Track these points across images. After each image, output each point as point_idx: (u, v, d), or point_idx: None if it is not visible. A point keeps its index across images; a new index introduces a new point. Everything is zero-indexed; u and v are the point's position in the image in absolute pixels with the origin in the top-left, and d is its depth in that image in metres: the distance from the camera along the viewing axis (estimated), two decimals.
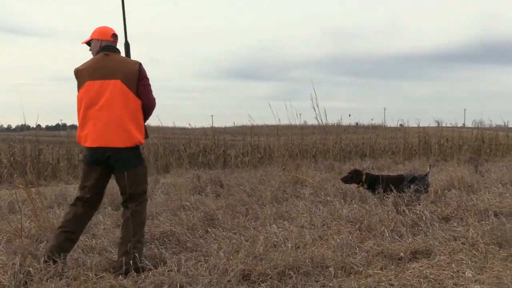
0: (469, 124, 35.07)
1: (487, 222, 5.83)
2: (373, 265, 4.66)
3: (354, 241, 5.33)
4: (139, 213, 4.77)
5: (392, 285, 4.15)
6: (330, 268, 4.46)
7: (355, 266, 4.56)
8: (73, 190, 8.38)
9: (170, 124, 20.34)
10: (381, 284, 4.15)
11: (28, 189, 6.04)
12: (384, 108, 62.16)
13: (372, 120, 31.87)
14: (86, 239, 5.58)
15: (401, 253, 4.83)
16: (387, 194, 6.89)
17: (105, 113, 4.57)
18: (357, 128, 29.45)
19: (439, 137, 20.83)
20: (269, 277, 4.31)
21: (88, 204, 4.77)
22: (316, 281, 4.31)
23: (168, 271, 4.42)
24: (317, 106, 13.13)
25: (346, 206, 6.99)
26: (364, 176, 7.47)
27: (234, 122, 24.24)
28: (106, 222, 6.45)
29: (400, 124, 25.18)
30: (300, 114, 29.72)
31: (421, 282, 4.14)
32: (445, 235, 5.49)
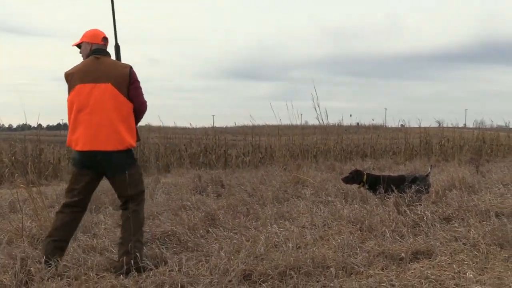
0: (470, 124, 35.07)
1: (488, 223, 5.82)
2: (374, 265, 4.65)
3: (355, 242, 5.33)
4: (138, 212, 4.78)
5: (393, 285, 4.14)
6: (331, 268, 4.45)
7: (356, 267, 4.55)
8: None
9: (171, 124, 20.36)
10: (382, 284, 4.15)
11: (29, 188, 6.05)
12: (385, 109, 62.18)
13: (373, 120, 31.89)
14: (87, 238, 5.58)
15: (402, 254, 4.83)
16: (388, 194, 6.88)
17: (96, 117, 4.55)
18: (358, 128, 29.49)
19: (440, 138, 20.81)
20: (270, 277, 4.31)
21: (76, 209, 4.74)
22: (317, 281, 4.30)
23: (169, 271, 4.42)
24: (318, 106, 13.11)
25: (347, 206, 6.98)
26: (365, 177, 7.47)
27: (235, 122, 24.28)
28: (107, 222, 6.45)
29: (401, 125, 25.19)
30: (301, 114, 29.70)
31: (422, 283, 4.14)
32: (446, 235, 5.48)
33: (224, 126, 31.27)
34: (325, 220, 6.36)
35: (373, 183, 7.36)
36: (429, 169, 7.83)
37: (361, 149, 19.31)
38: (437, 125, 27.82)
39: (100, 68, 4.66)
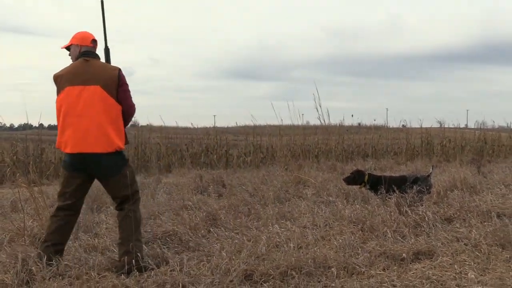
0: (471, 125, 34.96)
1: (489, 223, 5.82)
2: (375, 265, 4.65)
3: (356, 242, 5.32)
4: (134, 211, 4.78)
5: (394, 286, 4.14)
6: (333, 269, 4.45)
7: (357, 267, 4.55)
8: None
9: (172, 124, 20.36)
10: (384, 284, 4.15)
11: (30, 188, 6.06)
12: (387, 109, 62.05)
13: (374, 120, 31.86)
14: (89, 238, 5.59)
15: (404, 254, 4.83)
16: (389, 194, 6.88)
17: (85, 119, 4.54)
18: (359, 128, 29.49)
19: (441, 138, 20.81)
20: (271, 277, 4.30)
21: (70, 212, 4.73)
22: (319, 282, 4.30)
23: (171, 270, 4.43)
24: (320, 106, 13.11)
25: (348, 206, 6.98)
26: (366, 177, 7.46)
27: (236, 122, 24.27)
28: (108, 222, 6.45)
29: (403, 125, 25.18)
30: (302, 114, 29.67)
31: (424, 283, 4.14)
32: (448, 236, 5.48)
33: (226, 126, 31.30)
34: (327, 220, 6.36)
35: (375, 183, 7.35)
36: (431, 169, 7.83)
37: (362, 149, 19.31)
38: (438, 125, 27.74)
39: (89, 71, 4.65)
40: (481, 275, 4.35)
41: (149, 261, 4.61)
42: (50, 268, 4.36)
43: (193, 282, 4.18)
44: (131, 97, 4.80)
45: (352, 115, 50.74)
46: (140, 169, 15.10)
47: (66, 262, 4.56)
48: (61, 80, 4.67)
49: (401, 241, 5.33)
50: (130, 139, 16.98)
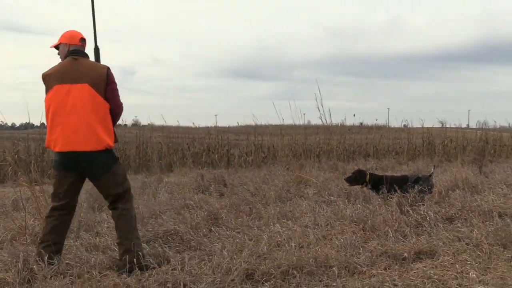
0: (473, 125, 34.97)
1: (491, 223, 5.81)
2: (376, 265, 4.65)
3: (358, 241, 5.32)
4: (129, 210, 4.78)
5: (396, 285, 4.14)
6: (334, 268, 4.45)
7: (358, 266, 4.55)
8: None
9: (174, 124, 20.36)
10: (385, 284, 4.15)
11: (32, 187, 6.07)
12: (388, 109, 62.04)
13: (376, 120, 31.80)
14: (90, 237, 5.59)
15: (405, 254, 4.82)
16: (391, 194, 6.88)
17: (74, 117, 4.53)
18: (360, 128, 29.47)
19: (443, 138, 20.79)
20: (272, 276, 4.30)
21: (64, 212, 4.73)
22: (320, 281, 4.30)
23: (172, 269, 4.43)
24: (322, 106, 13.10)
25: (350, 206, 6.98)
26: (368, 176, 7.46)
27: (237, 122, 24.27)
28: (110, 221, 6.43)
29: (404, 125, 25.13)
30: (304, 114, 29.64)
31: (425, 283, 4.13)
32: (449, 235, 5.48)
33: (227, 126, 31.28)
34: (328, 219, 6.35)
35: (376, 183, 7.35)
36: (432, 169, 7.82)
37: (364, 149, 19.30)
38: (440, 125, 27.77)
39: (78, 69, 4.64)
40: (483, 274, 4.35)
41: (151, 260, 4.62)
42: (52, 267, 4.36)
43: (195, 281, 4.18)
44: (119, 96, 4.79)
45: (354, 115, 50.49)
46: (142, 169, 15.13)
47: (67, 261, 4.57)
48: (50, 79, 4.67)
49: (403, 241, 5.33)
50: (132, 138, 17.18)
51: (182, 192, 8.68)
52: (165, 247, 5.20)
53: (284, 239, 5.36)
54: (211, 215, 6.49)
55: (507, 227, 5.55)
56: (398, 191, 6.77)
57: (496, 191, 8.18)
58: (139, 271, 4.41)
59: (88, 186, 5.70)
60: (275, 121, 18.49)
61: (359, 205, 6.98)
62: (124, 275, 4.31)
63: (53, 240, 4.62)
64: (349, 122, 24.35)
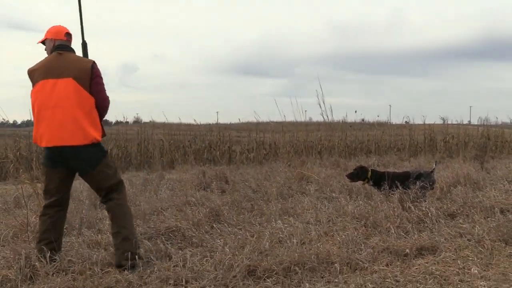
0: (474, 121, 34.95)
1: (493, 219, 5.82)
2: (378, 261, 4.65)
3: (359, 237, 5.33)
4: (124, 200, 4.80)
5: (397, 281, 4.15)
6: (336, 264, 4.45)
7: (360, 262, 4.55)
8: (78, 185, 8.39)
9: (175, 120, 20.35)
10: (387, 280, 4.15)
11: (33, 184, 6.08)
12: (390, 105, 62.05)
13: (378, 116, 31.83)
14: (92, 234, 5.60)
15: (407, 250, 4.83)
16: (392, 190, 6.88)
17: (59, 112, 4.51)
18: (362, 125, 29.43)
19: (444, 134, 20.78)
20: (274, 272, 4.31)
21: (58, 208, 4.72)
22: (322, 277, 4.30)
23: (174, 266, 4.43)
24: (323, 103, 13.09)
25: (351, 202, 6.98)
26: (369, 173, 7.46)
27: (239, 119, 24.25)
28: None
29: (406, 121, 25.14)
30: (305, 110, 29.67)
31: (427, 279, 4.14)
32: (451, 231, 5.48)
33: (229, 123, 31.26)
34: (330, 216, 6.36)
35: (378, 179, 7.35)
36: (434, 165, 7.81)
37: (365, 146, 19.27)
38: (441, 121, 27.77)
39: (63, 64, 4.63)
40: (484, 270, 4.35)
41: (151, 256, 4.62)
42: (53, 263, 4.37)
43: (196, 277, 4.18)
44: (105, 90, 4.76)
45: (356, 111, 50.43)
46: (143, 166, 15.14)
47: (69, 258, 4.57)
48: (35, 74, 4.66)
49: (404, 237, 5.33)
50: (133, 135, 17.16)
51: (184, 189, 8.68)
52: (167, 243, 5.20)
53: (286, 235, 5.36)
54: (213, 212, 6.49)
55: (508, 223, 5.56)
56: (400, 187, 6.76)
57: (497, 187, 8.18)
58: (141, 266, 4.41)
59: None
60: (276, 118, 18.50)
61: (361, 202, 6.98)
62: (126, 271, 4.30)
63: (50, 238, 4.62)
64: (351, 118, 24.32)
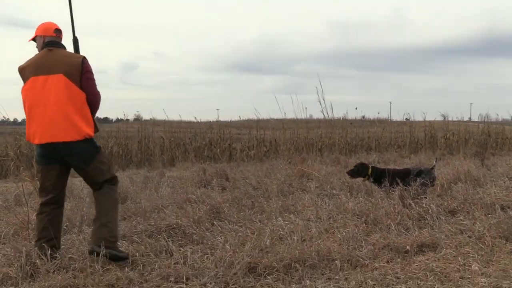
0: (475, 118, 34.93)
1: (493, 216, 5.82)
2: (379, 258, 4.65)
3: (360, 234, 5.32)
4: (114, 190, 4.81)
5: (398, 278, 4.14)
6: (336, 261, 4.45)
7: (361, 259, 4.55)
8: (78, 183, 8.41)
9: (176, 118, 20.33)
10: (387, 277, 4.15)
11: (34, 182, 6.07)
12: (390, 102, 62.02)
13: (378, 113, 31.76)
14: None
15: (407, 246, 4.83)
16: (393, 187, 6.87)
17: (50, 108, 4.50)
18: (363, 122, 29.42)
19: (445, 131, 20.76)
20: (275, 269, 4.31)
21: (54, 205, 4.71)
22: (322, 274, 4.30)
23: (174, 263, 4.44)
24: (323, 100, 13.08)
25: (352, 199, 6.98)
26: (370, 170, 7.45)
27: (239, 116, 24.25)
28: None
29: (406, 118, 25.10)
30: (306, 108, 29.63)
31: (427, 275, 4.13)
32: (452, 228, 5.48)
33: (229, 120, 31.22)
34: (330, 213, 6.36)
35: (378, 176, 7.34)
36: (434, 162, 7.81)
37: (366, 143, 19.27)
38: (442, 118, 27.75)
39: (53, 60, 4.62)
40: (485, 267, 4.35)
41: (151, 253, 4.62)
42: (54, 261, 4.37)
43: (197, 274, 4.18)
44: (96, 86, 4.75)
45: (356, 108, 50.37)
46: (144, 163, 15.15)
47: (70, 255, 4.57)
48: (26, 71, 4.66)
49: (405, 234, 5.33)
50: (134, 133, 17.16)
51: (184, 186, 8.68)
52: (167, 241, 5.20)
53: (286, 232, 5.36)
54: (213, 209, 6.49)
55: (509, 219, 5.55)
56: (400, 184, 6.76)
57: (498, 184, 8.17)
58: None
59: None
60: (277, 115, 18.47)
61: (361, 199, 6.98)
62: (126, 269, 4.30)
63: (49, 236, 4.60)
64: (351, 115, 24.27)
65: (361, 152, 17.48)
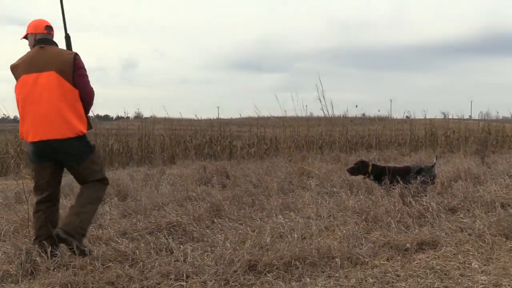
0: (475, 116, 34.93)
1: (493, 214, 5.81)
2: (379, 256, 4.65)
3: (360, 232, 5.33)
4: (100, 188, 4.81)
5: (398, 276, 4.15)
6: (336, 259, 4.46)
7: (361, 257, 4.55)
8: None
9: (176, 116, 20.32)
10: (387, 275, 4.15)
11: None
12: (390, 100, 61.88)
13: (379, 111, 31.80)
14: (93, 229, 5.59)
15: (408, 244, 4.83)
16: (393, 185, 6.87)
17: (43, 105, 4.50)
18: (363, 119, 29.40)
19: (445, 129, 20.75)
20: (275, 267, 4.31)
21: (49, 203, 4.71)
22: (322, 272, 4.30)
23: (175, 261, 4.44)
24: (324, 98, 13.08)
25: (352, 197, 6.98)
26: (370, 167, 7.45)
27: (240, 114, 24.24)
28: (112, 213, 6.47)
29: (407, 116, 25.10)
30: (306, 105, 29.67)
31: (428, 273, 4.13)
32: (452, 226, 5.48)
33: (229, 118, 31.21)
34: (330, 211, 6.36)
35: (379, 174, 7.34)
36: (435, 160, 7.80)
37: (366, 140, 19.25)
38: (442, 116, 27.68)
39: (44, 57, 4.61)
40: (485, 265, 4.35)
41: (152, 251, 4.62)
42: (54, 258, 4.37)
43: (197, 272, 4.19)
44: (89, 82, 4.74)
45: (356, 106, 50.27)
46: (144, 161, 15.15)
47: (70, 253, 4.57)
48: (18, 69, 4.65)
49: (405, 232, 5.33)
50: (134, 130, 17.14)
51: (185, 184, 8.68)
52: (168, 238, 5.21)
53: (286, 230, 5.36)
54: (214, 207, 6.49)
55: (509, 217, 5.55)
56: (401, 182, 6.75)
57: (498, 182, 8.16)
58: (140, 263, 4.41)
59: None
60: (277, 113, 18.48)
61: (361, 196, 6.99)
62: (127, 266, 4.30)
63: (47, 233, 4.60)
64: (352, 113, 24.29)
65: (362, 150, 17.47)
